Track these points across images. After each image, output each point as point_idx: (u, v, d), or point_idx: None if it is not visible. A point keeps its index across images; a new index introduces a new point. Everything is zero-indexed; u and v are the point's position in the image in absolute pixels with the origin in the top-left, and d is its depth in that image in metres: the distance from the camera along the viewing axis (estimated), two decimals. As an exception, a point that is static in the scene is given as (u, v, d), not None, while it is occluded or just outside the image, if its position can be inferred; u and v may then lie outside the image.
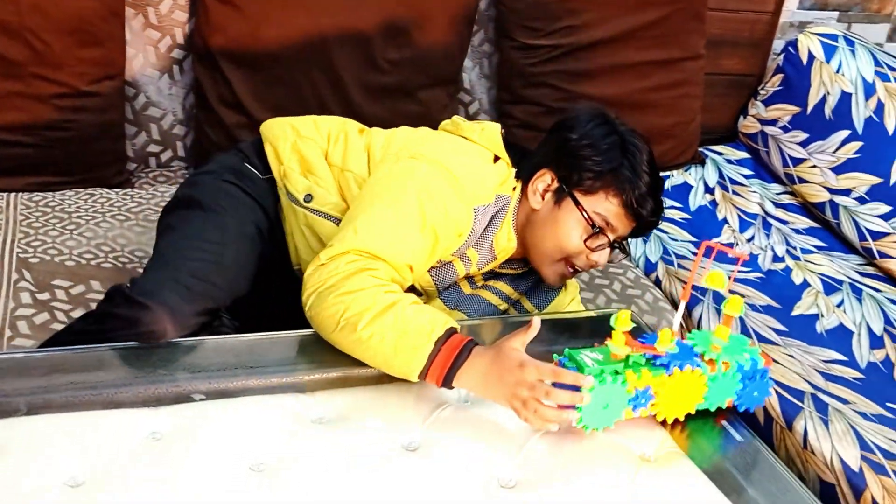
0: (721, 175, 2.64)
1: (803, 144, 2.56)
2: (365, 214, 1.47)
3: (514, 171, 1.63)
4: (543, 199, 1.59)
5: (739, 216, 2.49)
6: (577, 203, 1.56)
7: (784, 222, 2.50)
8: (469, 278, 1.70)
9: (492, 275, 1.71)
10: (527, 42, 2.39)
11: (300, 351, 1.49)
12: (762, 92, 2.72)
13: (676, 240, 2.35)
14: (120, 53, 2.11)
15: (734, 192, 2.58)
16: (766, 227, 2.47)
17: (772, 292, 2.16)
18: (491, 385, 1.29)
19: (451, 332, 1.33)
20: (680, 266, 2.20)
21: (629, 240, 1.68)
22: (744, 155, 2.75)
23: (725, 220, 2.48)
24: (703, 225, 2.45)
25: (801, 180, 2.55)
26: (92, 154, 2.12)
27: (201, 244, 1.55)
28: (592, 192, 1.56)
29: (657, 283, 2.17)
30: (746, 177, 2.66)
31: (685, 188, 2.59)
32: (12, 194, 2.02)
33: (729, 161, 2.72)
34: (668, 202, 2.52)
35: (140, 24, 2.16)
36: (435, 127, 1.74)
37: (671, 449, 1.39)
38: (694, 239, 2.38)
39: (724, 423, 1.45)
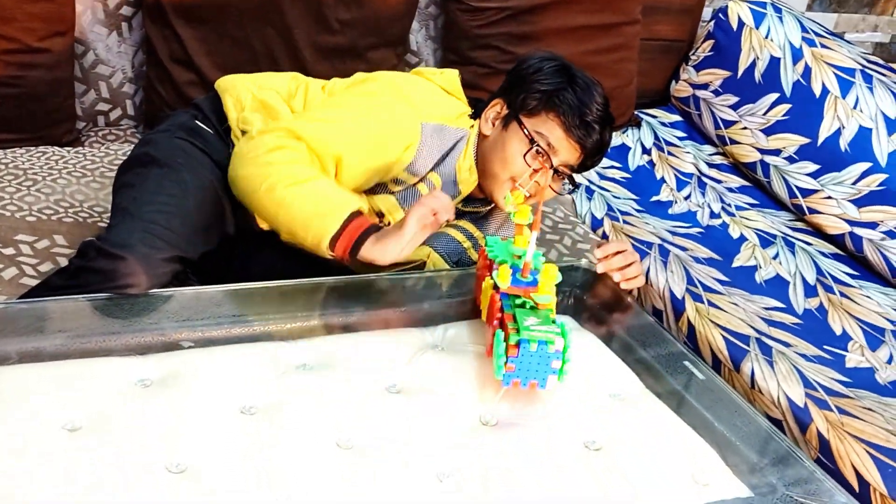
0: (656, 137, 2.74)
1: (734, 107, 2.67)
2: (307, 111, 1.58)
3: (470, 110, 1.71)
4: (494, 125, 1.67)
5: (676, 175, 2.60)
6: (520, 123, 1.63)
7: (718, 181, 2.62)
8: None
9: (456, 214, 1.77)
10: (473, 4, 2.44)
11: (280, 301, 1.52)
12: (693, 57, 2.82)
13: (619, 197, 2.44)
14: (70, 9, 2.07)
15: (669, 153, 2.68)
16: (702, 185, 2.58)
17: (712, 245, 2.27)
18: (391, 236, 1.42)
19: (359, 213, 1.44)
20: (625, 222, 2.29)
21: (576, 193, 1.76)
22: (676, 118, 2.85)
23: (663, 180, 2.58)
24: (643, 183, 2.54)
25: (733, 141, 2.67)
26: (41, 112, 2.08)
27: (163, 198, 1.55)
28: (535, 112, 1.63)
29: (604, 237, 2.25)
30: (680, 139, 2.77)
31: (623, 149, 2.67)
32: (-37, 151, 1.98)
33: (663, 124, 2.82)
34: (608, 162, 2.61)
35: (88, -21, 2.13)
36: None
37: (639, 388, 1.47)
38: (636, 196, 2.47)
39: (686, 362, 1.54)
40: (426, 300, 1.66)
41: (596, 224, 2.30)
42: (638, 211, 2.39)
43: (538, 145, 1.61)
